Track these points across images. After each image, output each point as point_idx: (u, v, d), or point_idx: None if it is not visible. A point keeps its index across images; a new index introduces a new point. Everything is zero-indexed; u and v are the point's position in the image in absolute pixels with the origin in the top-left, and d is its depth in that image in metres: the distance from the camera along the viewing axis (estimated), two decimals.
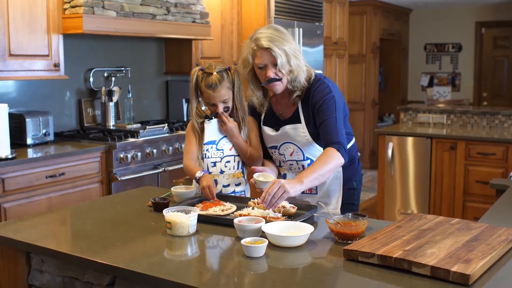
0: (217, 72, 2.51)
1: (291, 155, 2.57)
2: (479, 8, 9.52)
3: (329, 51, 6.78)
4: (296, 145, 2.54)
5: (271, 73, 2.42)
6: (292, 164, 2.61)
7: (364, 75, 8.51)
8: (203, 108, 2.62)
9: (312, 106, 2.48)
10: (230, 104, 2.55)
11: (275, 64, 2.40)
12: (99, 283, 1.83)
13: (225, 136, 2.59)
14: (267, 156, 2.68)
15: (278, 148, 2.60)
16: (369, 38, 8.51)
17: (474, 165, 4.99)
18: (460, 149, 5.04)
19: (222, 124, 2.56)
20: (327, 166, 2.33)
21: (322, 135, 2.46)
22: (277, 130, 2.57)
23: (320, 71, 6.05)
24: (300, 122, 2.52)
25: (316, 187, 2.61)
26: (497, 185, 3.17)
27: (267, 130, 2.61)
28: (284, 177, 2.65)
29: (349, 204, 2.63)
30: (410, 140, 5.34)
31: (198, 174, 2.45)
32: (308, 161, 2.55)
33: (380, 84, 9.43)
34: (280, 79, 2.43)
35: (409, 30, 10.11)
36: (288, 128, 2.53)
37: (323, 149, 2.44)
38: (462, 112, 5.73)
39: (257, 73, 2.48)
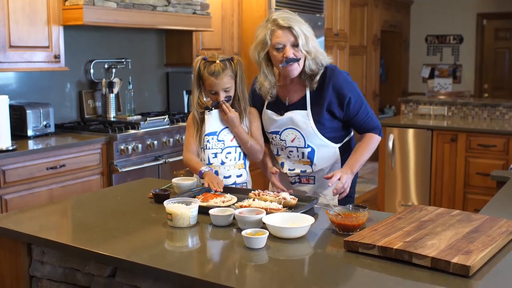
0: (220, 61, 2.51)
1: (292, 141, 2.58)
2: None
3: (330, 43, 6.76)
4: (298, 132, 2.55)
5: (290, 53, 2.42)
6: (291, 151, 2.61)
7: (365, 66, 8.49)
8: (205, 99, 2.62)
9: (335, 99, 2.51)
10: (232, 93, 2.54)
11: (294, 45, 2.42)
12: (100, 274, 1.84)
13: (226, 127, 2.58)
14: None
15: (279, 133, 2.60)
16: (370, 29, 8.48)
17: (475, 157, 4.99)
18: (461, 141, 5.04)
19: (223, 114, 2.55)
20: (370, 151, 2.59)
21: (356, 126, 2.62)
22: (281, 114, 2.57)
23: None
24: (305, 109, 2.53)
25: (314, 176, 2.63)
26: (498, 177, 3.17)
27: (271, 114, 2.61)
28: (282, 166, 2.66)
29: (346, 196, 2.60)
30: (411, 132, 5.33)
31: (204, 169, 2.45)
32: (309, 149, 2.57)
33: (381, 76, 9.41)
34: (298, 60, 2.44)
35: (410, 21, 10.07)
36: (293, 113, 2.54)
37: (360, 134, 2.63)
38: (463, 104, 5.73)
39: (273, 56, 2.47)
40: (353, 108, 2.55)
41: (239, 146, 2.60)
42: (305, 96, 2.54)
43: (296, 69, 2.47)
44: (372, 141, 2.59)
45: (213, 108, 2.57)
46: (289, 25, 2.40)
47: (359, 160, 2.54)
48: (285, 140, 2.60)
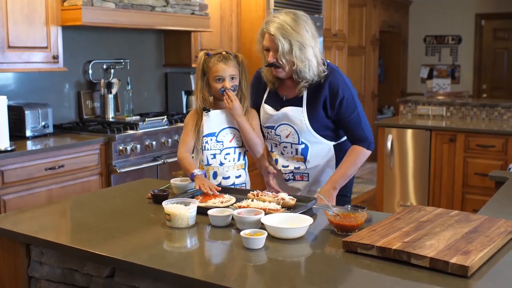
0: (225, 52, 2.55)
1: (287, 137, 2.61)
2: (478, 0, 9.50)
3: (328, 43, 6.76)
4: (293, 128, 2.57)
5: (271, 58, 2.47)
6: (286, 147, 2.63)
7: (364, 67, 8.49)
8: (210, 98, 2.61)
9: (328, 97, 2.52)
10: (237, 83, 2.55)
11: (278, 51, 2.44)
12: (98, 274, 1.84)
13: (225, 128, 2.58)
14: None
15: (275, 128, 2.62)
16: (368, 30, 8.48)
17: (474, 157, 4.99)
18: (459, 141, 5.04)
19: (228, 102, 2.50)
20: (355, 166, 2.55)
21: (347, 132, 2.59)
22: (277, 109, 2.60)
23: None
24: (301, 106, 2.55)
25: (308, 173, 2.65)
26: (496, 177, 3.17)
27: (268, 109, 2.63)
28: (276, 162, 2.68)
29: (341, 195, 2.64)
30: (409, 132, 5.34)
31: (196, 172, 2.41)
32: (303, 146, 2.59)
33: (380, 76, 9.41)
34: (279, 67, 2.47)
35: (408, 22, 10.08)
36: (288, 109, 2.56)
37: (351, 143, 2.57)
38: (461, 104, 5.73)
39: (264, 54, 2.53)
40: (345, 110, 2.53)
41: (239, 147, 2.60)
42: (302, 93, 2.56)
43: (280, 72, 2.51)
44: (359, 154, 2.55)
45: (211, 110, 2.56)
46: (274, 34, 2.42)
47: (343, 175, 2.53)
48: (279, 135, 2.62)
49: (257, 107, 2.66)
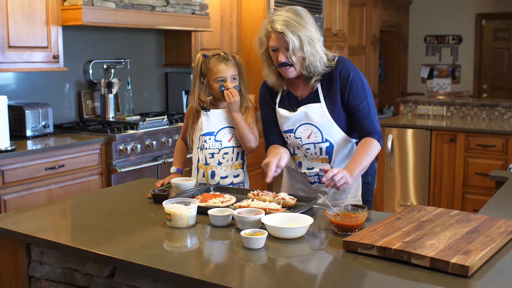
0: (224, 53, 2.57)
1: (308, 137, 2.49)
2: (479, 0, 9.49)
3: (329, 43, 6.76)
4: (314, 126, 2.47)
5: (282, 58, 2.39)
6: (308, 149, 2.51)
7: (364, 67, 8.49)
8: (207, 98, 2.62)
9: (339, 84, 2.45)
10: (237, 83, 2.57)
11: (287, 49, 2.36)
12: (99, 274, 1.84)
13: (224, 128, 2.58)
14: (281, 143, 2.60)
15: (294, 131, 2.51)
16: (369, 30, 8.48)
17: (474, 157, 4.99)
18: (459, 141, 5.04)
19: (229, 97, 2.52)
20: (370, 157, 2.41)
21: (356, 123, 2.48)
22: (294, 110, 2.50)
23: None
24: (319, 101, 2.46)
25: None
26: (497, 177, 3.17)
27: (283, 112, 2.53)
28: (300, 165, 2.58)
29: (364, 200, 2.57)
30: (409, 132, 5.34)
31: (172, 169, 2.73)
32: (327, 144, 2.48)
33: (380, 76, 9.41)
34: (291, 65, 2.40)
35: (409, 22, 10.08)
36: (307, 108, 2.47)
37: (359, 137, 2.48)
38: (462, 104, 5.73)
39: (271, 55, 2.45)
40: (355, 96, 2.44)
41: (237, 146, 2.60)
42: (317, 88, 2.48)
43: (291, 71, 2.42)
44: (373, 146, 2.42)
45: (210, 109, 2.58)
46: (282, 31, 2.34)
47: (360, 165, 2.36)
48: (300, 138, 2.50)
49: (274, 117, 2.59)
